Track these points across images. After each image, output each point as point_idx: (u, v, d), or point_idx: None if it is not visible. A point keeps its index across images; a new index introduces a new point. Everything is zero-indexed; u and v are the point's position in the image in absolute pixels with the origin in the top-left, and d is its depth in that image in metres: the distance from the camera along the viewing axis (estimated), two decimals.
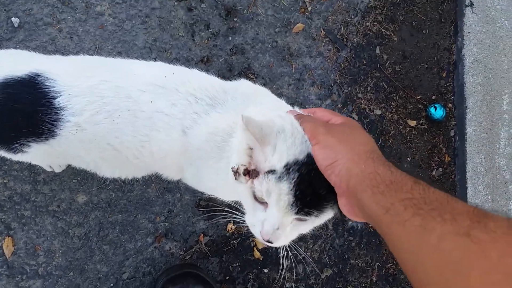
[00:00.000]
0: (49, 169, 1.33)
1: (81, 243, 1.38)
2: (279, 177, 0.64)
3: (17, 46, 1.38)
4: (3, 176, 1.33)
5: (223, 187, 0.92)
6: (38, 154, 0.90)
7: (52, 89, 0.80)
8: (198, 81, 0.87)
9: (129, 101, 0.82)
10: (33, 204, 1.35)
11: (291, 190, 0.63)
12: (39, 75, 0.81)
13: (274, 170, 0.65)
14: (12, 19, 1.35)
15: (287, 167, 0.64)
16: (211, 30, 1.51)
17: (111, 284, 1.39)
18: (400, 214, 0.48)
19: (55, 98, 0.80)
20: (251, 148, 0.70)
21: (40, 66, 0.83)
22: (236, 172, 0.70)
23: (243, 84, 0.93)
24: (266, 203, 0.67)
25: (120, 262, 1.39)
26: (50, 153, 0.90)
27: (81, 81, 0.82)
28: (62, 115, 0.80)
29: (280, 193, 0.64)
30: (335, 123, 0.70)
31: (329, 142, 0.63)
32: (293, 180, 0.64)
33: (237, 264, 1.47)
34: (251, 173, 0.69)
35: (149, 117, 0.83)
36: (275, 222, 0.66)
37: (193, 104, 0.84)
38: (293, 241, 0.76)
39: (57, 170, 1.34)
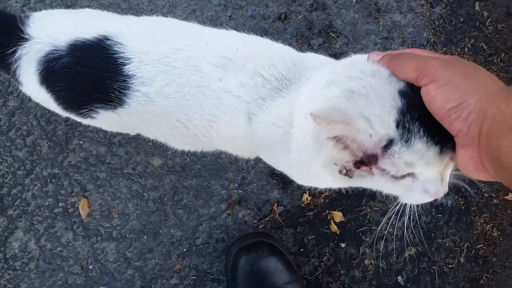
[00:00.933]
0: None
1: (156, 207, 1.41)
2: (405, 141, 0.54)
3: (91, 4, 1.40)
4: (79, 137, 1.38)
5: (304, 177, 0.88)
6: (106, 121, 0.90)
7: (122, 54, 0.79)
8: (267, 55, 0.80)
9: (199, 76, 0.79)
10: (108, 166, 1.40)
11: (428, 141, 0.54)
12: (108, 39, 0.80)
13: (392, 140, 0.54)
14: None
15: (401, 124, 0.54)
16: None
17: (185, 249, 1.42)
18: None
19: (125, 65, 0.79)
20: (339, 139, 0.57)
21: (110, 28, 0.82)
22: (346, 174, 0.60)
23: (310, 58, 0.84)
24: (412, 173, 0.58)
25: (194, 227, 1.42)
26: (119, 122, 0.89)
27: (152, 47, 0.80)
28: (131, 83, 0.79)
29: (423, 156, 0.55)
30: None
31: (451, 78, 0.51)
32: (419, 130, 0.53)
33: (312, 237, 1.45)
34: (366, 162, 0.58)
35: (218, 97, 0.80)
36: (440, 185, 0.59)
37: (260, 88, 0.78)
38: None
39: (132, 132, 1.37)
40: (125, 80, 0.79)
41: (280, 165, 0.91)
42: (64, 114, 0.94)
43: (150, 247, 1.41)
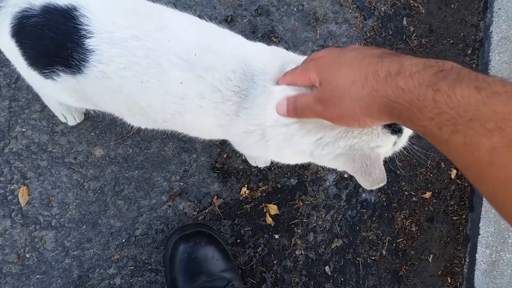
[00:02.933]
0: (63, 119, 1.49)
1: (96, 197, 1.58)
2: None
3: None
4: (22, 125, 1.51)
5: (278, 157, 1.09)
6: (66, 86, 1.00)
7: (85, 27, 0.89)
8: (223, 67, 0.91)
9: (159, 70, 0.89)
10: (49, 154, 1.53)
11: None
12: (76, 10, 0.89)
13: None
14: None
15: None
16: None
17: (123, 240, 1.60)
18: (437, 136, 0.49)
19: (86, 38, 0.89)
20: None
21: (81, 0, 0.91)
22: None
23: (259, 55, 0.98)
24: None
25: (134, 218, 1.59)
26: (77, 90, 1.01)
27: (115, 28, 0.90)
28: (90, 58, 0.90)
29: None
30: (316, 79, 0.73)
31: (335, 113, 0.69)
32: None
33: (249, 228, 1.69)
34: None
35: (181, 97, 0.93)
36: None
37: (221, 104, 0.92)
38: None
39: (71, 122, 1.52)
40: (84, 53, 0.90)
41: (254, 153, 1.12)
42: (28, 73, 1.03)
43: (89, 237, 1.56)
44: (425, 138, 0.54)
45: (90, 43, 0.89)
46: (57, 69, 0.95)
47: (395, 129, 0.81)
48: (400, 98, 0.53)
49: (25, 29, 0.91)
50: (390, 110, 0.55)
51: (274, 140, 0.91)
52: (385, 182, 0.79)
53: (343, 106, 0.63)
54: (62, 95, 1.10)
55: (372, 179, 0.79)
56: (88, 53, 0.90)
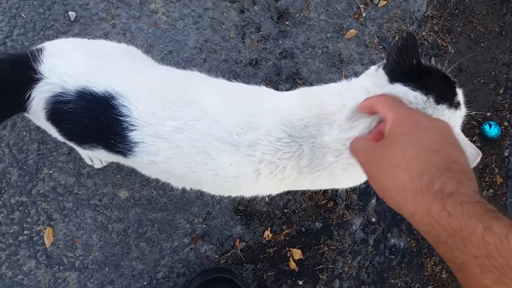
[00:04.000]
0: (89, 162, 1.55)
1: (119, 239, 1.59)
2: None
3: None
4: (49, 167, 1.56)
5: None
6: (105, 155, 1.01)
7: (127, 119, 0.88)
8: (266, 137, 0.91)
9: (206, 157, 0.90)
10: (75, 196, 1.57)
11: None
12: (114, 99, 0.88)
13: None
14: (69, 13, 1.56)
15: None
16: (261, 33, 1.70)
17: (145, 283, 1.59)
18: (477, 277, 0.45)
19: (130, 131, 0.88)
20: None
21: (117, 85, 0.90)
22: None
23: (293, 108, 0.97)
24: None
25: (156, 260, 1.59)
26: (118, 160, 1.03)
27: (157, 120, 0.88)
28: (136, 149, 0.91)
29: None
30: (385, 131, 0.65)
31: (372, 175, 0.63)
32: None
33: (272, 273, 1.66)
34: None
35: (234, 176, 0.93)
36: None
37: (279, 173, 0.93)
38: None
39: (97, 165, 1.56)
40: (129, 144, 0.90)
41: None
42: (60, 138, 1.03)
43: (111, 279, 1.57)
44: (455, 271, 0.50)
45: (134, 136, 0.90)
46: (97, 145, 0.96)
47: (456, 104, 0.81)
48: (443, 221, 0.49)
49: (61, 114, 0.91)
50: (427, 224, 0.51)
51: (347, 176, 0.92)
52: (481, 154, 0.78)
53: (383, 176, 0.59)
54: (99, 156, 1.10)
55: (470, 158, 0.77)
56: (133, 144, 0.91)
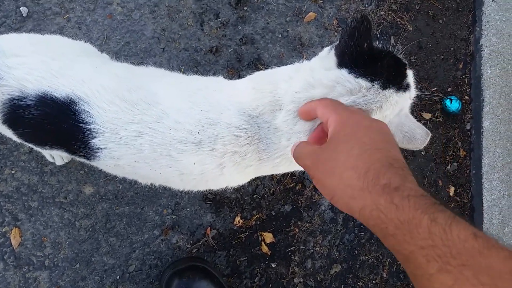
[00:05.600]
0: (51, 159, 1.53)
1: (88, 235, 1.58)
2: None
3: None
4: (11, 167, 1.53)
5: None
6: (68, 156, 1.03)
7: (89, 126, 0.87)
8: (226, 129, 0.91)
9: (169, 159, 0.90)
10: (40, 195, 1.55)
11: None
12: (75, 104, 0.87)
13: None
14: (20, 8, 1.52)
15: None
16: (220, 20, 1.69)
17: (117, 277, 1.59)
18: (423, 266, 0.47)
19: (93, 138, 0.88)
20: None
21: (78, 89, 0.89)
22: None
23: (247, 95, 0.97)
24: None
25: (127, 254, 1.59)
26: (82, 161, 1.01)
27: (118, 124, 0.88)
28: (99, 154, 0.90)
29: None
30: (329, 133, 0.67)
31: (318, 178, 0.63)
32: None
33: (245, 258, 1.68)
34: None
35: (199, 174, 0.93)
36: None
37: (241, 162, 0.93)
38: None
39: (59, 162, 1.54)
40: (92, 150, 0.90)
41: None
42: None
43: (83, 275, 1.56)
44: (402, 262, 0.52)
45: (96, 142, 0.89)
46: (59, 148, 0.95)
47: (404, 86, 0.82)
48: (391, 213, 0.51)
49: (20, 119, 0.89)
50: (375, 217, 0.53)
51: None
52: (430, 134, 0.81)
53: (330, 177, 0.61)
54: (61, 154, 1.10)
55: (420, 139, 0.80)
56: (96, 150, 0.90)
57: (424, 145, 0.81)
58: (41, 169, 1.54)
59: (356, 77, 0.78)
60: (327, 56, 0.87)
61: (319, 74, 0.83)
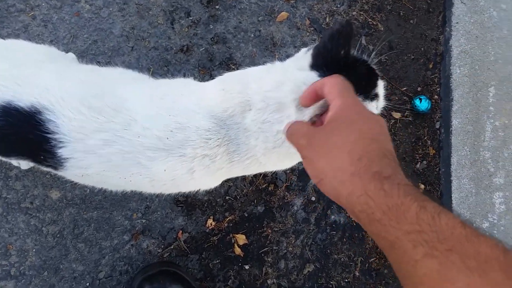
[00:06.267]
0: (16, 164, 1.47)
1: (56, 241, 1.53)
2: None
3: None
4: None
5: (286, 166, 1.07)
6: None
7: (55, 136, 0.85)
8: (195, 132, 0.90)
9: (139, 167, 0.89)
10: (4, 201, 1.48)
11: None
12: (40, 113, 0.85)
13: None
14: None
15: None
16: (191, 18, 1.65)
17: (87, 284, 1.55)
18: (409, 252, 0.46)
19: (59, 148, 0.86)
20: None
21: (41, 97, 0.86)
22: None
23: (216, 97, 0.96)
24: None
25: (96, 260, 1.55)
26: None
27: (85, 133, 0.86)
28: (66, 164, 0.88)
29: None
30: (328, 115, 0.65)
31: (310, 157, 0.62)
32: None
33: (217, 261, 1.66)
34: None
35: (170, 179, 0.92)
36: None
37: (212, 164, 0.92)
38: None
39: (24, 167, 1.48)
40: (60, 160, 0.87)
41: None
42: None
43: (51, 283, 1.51)
44: (386, 248, 0.52)
45: (63, 152, 0.87)
46: (26, 159, 0.93)
47: (372, 96, 0.83)
48: (380, 199, 0.51)
49: None
50: (362, 203, 0.53)
51: (271, 162, 0.92)
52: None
53: (322, 158, 0.60)
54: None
55: None
56: (63, 160, 0.88)
57: None
58: (6, 174, 1.48)
59: None
60: (303, 56, 0.87)
61: (290, 74, 0.83)
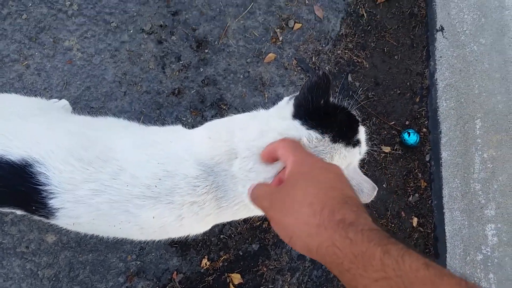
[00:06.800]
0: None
1: (51, 285, 1.53)
2: None
3: None
4: None
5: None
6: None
7: (46, 187, 0.87)
8: (183, 180, 0.93)
9: (128, 215, 0.91)
10: (0, 246, 1.52)
11: None
12: (31, 166, 0.87)
13: None
14: None
15: None
16: (182, 62, 1.72)
17: None
18: None
19: (50, 199, 0.88)
20: None
21: (32, 150, 0.90)
22: None
23: (203, 145, 0.99)
24: None
25: None
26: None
27: (74, 184, 0.89)
28: (57, 213, 0.90)
29: None
30: (286, 173, 0.69)
31: (275, 218, 0.63)
32: None
33: None
34: None
35: (159, 227, 0.94)
36: None
37: (200, 211, 0.94)
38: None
39: (19, 212, 1.50)
40: (51, 210, 0.89)
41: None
42: None
43: None
44: None
45: (54, 203, 0.89)
46: (17, 209, 0.95)
47: (354, 142, 0.85)
48: (346, 248, 0.52)
49: None
50: (331, 254, 0.53)
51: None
52: (377, 188, 0.82)
53: (287, 216, 0.61)
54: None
55: (366, 193, 0.82)
56: (54, 210, 0.90)
57: (371, 199, 0.83)
58: (1, 219, 1.50)
59: (307, 129, 0.82)
60: (285, 106, 0.90)
61: (273, 123, 0.87)
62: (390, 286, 0.46)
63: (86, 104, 1.61)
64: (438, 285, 0.44)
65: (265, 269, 1.71)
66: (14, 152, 0.89)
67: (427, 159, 2.01)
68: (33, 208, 0.90)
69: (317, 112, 0.82)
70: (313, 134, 0.82)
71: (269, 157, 0.80)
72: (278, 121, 0.87)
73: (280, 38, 1.83)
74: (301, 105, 0.83)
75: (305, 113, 0.82)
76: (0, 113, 1.00)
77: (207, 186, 0.92)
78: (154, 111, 1.67)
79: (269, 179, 0.83)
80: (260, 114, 0.96)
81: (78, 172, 0.90)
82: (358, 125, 0.88)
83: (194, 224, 0.97)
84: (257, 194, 0.73)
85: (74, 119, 1.13)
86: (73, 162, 0.91)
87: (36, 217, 0.96)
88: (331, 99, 0.85)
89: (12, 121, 0.96)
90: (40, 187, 0.88)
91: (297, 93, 0.87)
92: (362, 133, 0.89)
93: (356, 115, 0.89)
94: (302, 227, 0.58)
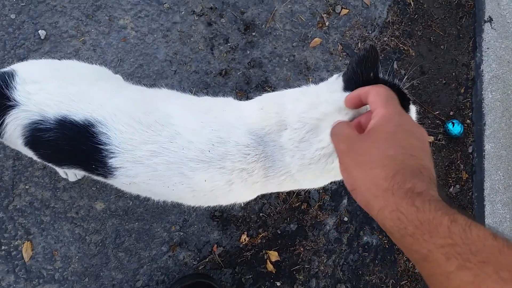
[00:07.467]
0: (64, 176, 1.59)
1: (97, 250, 1.62)
2: None
3: (43, 57, 1.66)
4: (25, 182, 1.59)
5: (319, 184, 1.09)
6: (80, 173, 1.08)
7: (107, 147, 0.92)
8: (235, 147, 0.96)
9: (182, 177, 0.95)
10: (52, 210, 1.60)
11: None
12: (94, 126, 0.93)
13: None
14: (39, 31, 1.62)
15: None
16: (230, 44, 1.78)
17: None
18: (442, 265, 0.47)
19: (110, 158, 0.93)
20: None
21: (95, 112, 0.94)
22: None
23: (255, 116, 1.01)
24: None
25: (135, 269, 1.63)
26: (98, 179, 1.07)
27: (134, 145, 0.94)
28: (115, 172, 0.96)
29: None
30: (370, 124, 0.65)
31: (346, 165, 0.63)
32: None
33: (250, 276, 1.71)
34: None
35: (210, 190, 0.99)
36: None
37: (249, 178, 0.98)
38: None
39: (72, 179, 1.60)
40: (109, 169, 0.95)
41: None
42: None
43: None
44: (418, 262, 0.52)
45: (113, 162, 0.95)
46: (78, 168, 1.01)
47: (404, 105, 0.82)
48: (412, 214, 0.52)
49: (41, 141, 0.94)
50: (394, 218, 0.53)
51: (306, 178, 0.95)
52: None
53: (358, 169, 0.61)
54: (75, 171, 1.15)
55: None
56: (113, 169, 0.96)
57: None
58: (54, 185, 1.59)
59: None
60: (335, 81, 0.92)
61: (325, 96, 0.89)
62: (457, 252, 0.46)
63: (139, 80, 1.68)
64: (507, 255, 0.44)
65: (302, 249, 1.74)
66: (78, 113, 0.95)
67: (470, 150, 1.99)
68: (93, 166, 0.96)
69: (367, 85, 0.80)
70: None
71: (356, 101, 0.76)
72: (329, 94, 0.88)
73: (327, 23, 1.86)
74: (351, 78, 0.84)
75: (356, 86, 0.82)
76: (66, 77, 1.05)
77: (256, 155, 0.96)
78: (202, 90, 1.73)
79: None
80: (310, 89, 0.98)
81: (138, 134, 0.96)
82: (409, 103, 0.88)
83: (242, 190, 1.01)
84: (338, 131, 0.72)
85: (133, 88, 1.19)
86: (134, 125, 0.96)
87: (94, 177, 1.03)
88: (381, 75, 0.85)
89: (77, 85, 1.02)
90: (101, 147, 0.93)
91: (345, 70, 0.88)
92: (413, 112, 0.90)
93: (407, 93, 0.89)
94: (369, 186, 0.58)
